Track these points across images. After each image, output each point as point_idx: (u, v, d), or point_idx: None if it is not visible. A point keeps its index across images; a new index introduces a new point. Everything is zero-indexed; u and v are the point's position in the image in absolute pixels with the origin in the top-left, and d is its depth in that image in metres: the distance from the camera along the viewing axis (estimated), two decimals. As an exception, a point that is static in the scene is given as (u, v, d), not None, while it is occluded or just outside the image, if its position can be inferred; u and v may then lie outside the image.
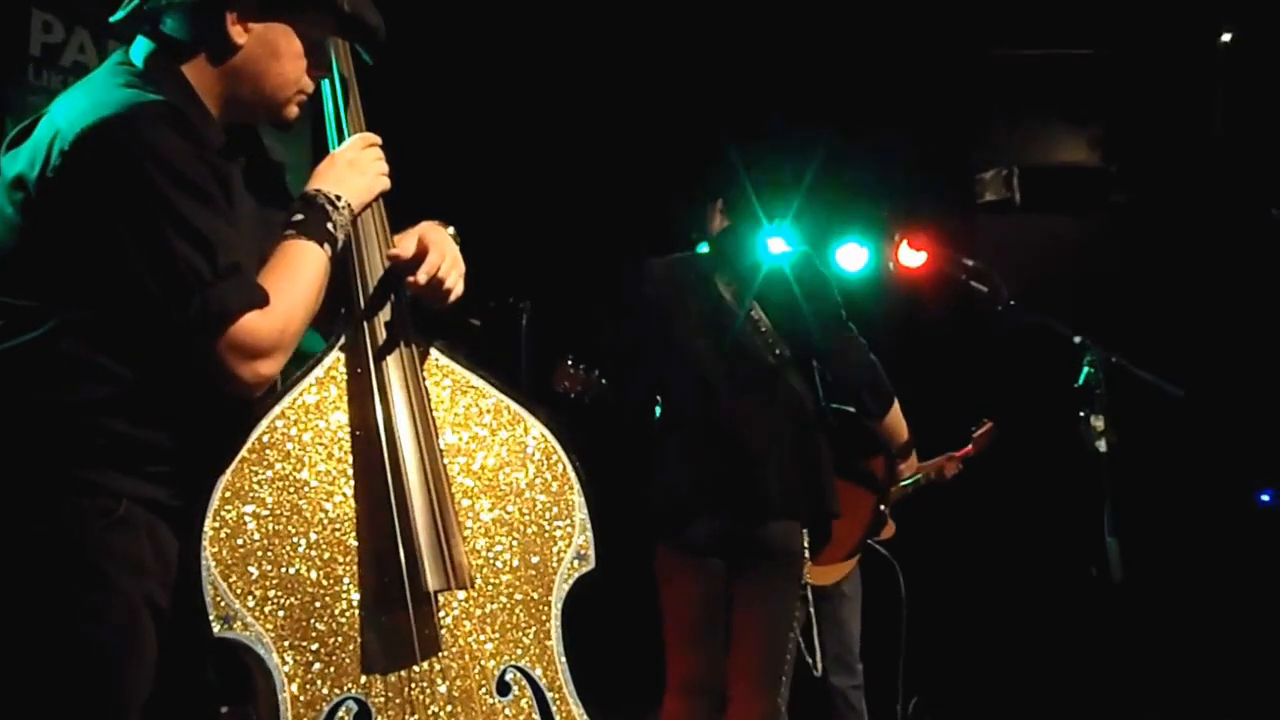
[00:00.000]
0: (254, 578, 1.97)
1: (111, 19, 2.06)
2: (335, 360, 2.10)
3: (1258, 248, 5.99)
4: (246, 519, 1.98)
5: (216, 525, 1.96)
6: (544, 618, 2.21)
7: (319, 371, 2.08)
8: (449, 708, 2.10)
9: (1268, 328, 5.85)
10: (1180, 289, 5.99)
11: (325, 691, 2.02)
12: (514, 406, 2.24)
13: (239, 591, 1.96)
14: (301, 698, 2.00)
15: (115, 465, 1.91)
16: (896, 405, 3.80)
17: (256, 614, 1.97)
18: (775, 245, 3.80)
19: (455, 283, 2.17)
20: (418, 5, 4.02)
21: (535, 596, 2.20)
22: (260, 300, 1.91)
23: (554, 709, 2.18)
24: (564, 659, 2.21)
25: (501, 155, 5.39)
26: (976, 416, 5.14)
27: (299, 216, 2.03)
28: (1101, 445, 3.57)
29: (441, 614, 2.12)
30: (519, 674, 2.18)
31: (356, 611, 2.04)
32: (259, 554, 1.98)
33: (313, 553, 2.02)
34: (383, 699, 2.05)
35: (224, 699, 2.10)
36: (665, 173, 4.96)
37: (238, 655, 1.99)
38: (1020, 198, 6.25)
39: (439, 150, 4.82)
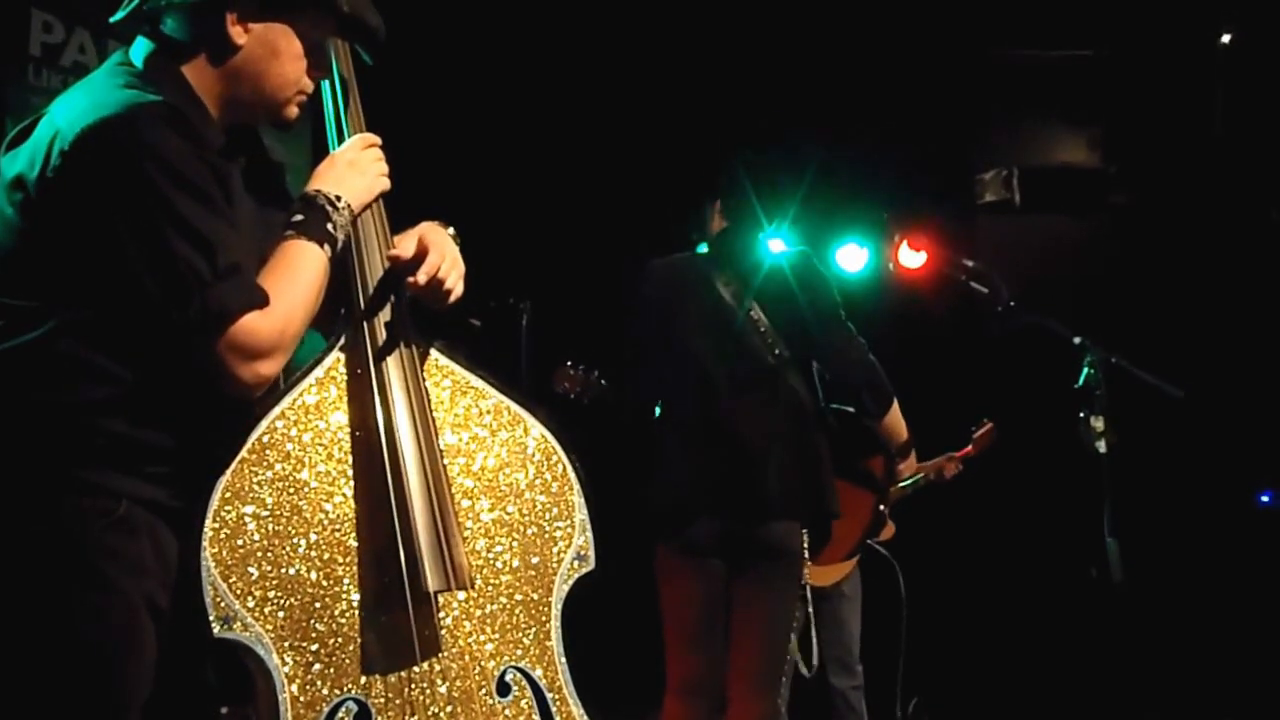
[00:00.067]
0: (254, 578, 1.97)
1: (111, 19, 2.06)
2: (335, 361, 2.10)
3: (1257, 249, 5.99)
4: (246, 519, 1.98)
5: (216, 526, 1.95)
6: (544, 618, 2.20)
7: (319, 372, 2.08)
8: (449, 708, 2.10)
9: (1268, 329, 5.85)
10: (1180, 290, 5.99)
11: (325, 692, 2.02)
12: (514, 407, 2.24)
13: (239, 592, 1.96)
14: (301, 698, 2.00)
15: (115, 465, 1.91)
16: (896, 405, 3.80)
17: (256, 615, 1.97)
18: (774, 245, 3.80)
19: (455, 283, 2.17)
20: (418, 5, 4.02)
21: (535, 597, 2.20)
22: (260, 301, 1.91)
23: (554, 709, 2.18)
24: (564, 659, 2.21)
25: (501, 156, 5.39)
26: (976, 417, 5.14)
27: (299, 217, 2.03)
28: (1101, 446, 3.58)
29: (441, 615, 2.12)
30: (519, 674, 2.18)
31: (356, 612, 2.04)
32: (259, 555, 1.98)
33: (313, 553, 2.02)
34: (383, 699, 2.05)
35: (224, 700, 2.10)
36: (665, 173, 4.96)
37: (237, 656, 1.99)
38: (1020, 198, 6.25)
39: (439, 150, 4.82)
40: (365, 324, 2.12)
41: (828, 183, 5.43)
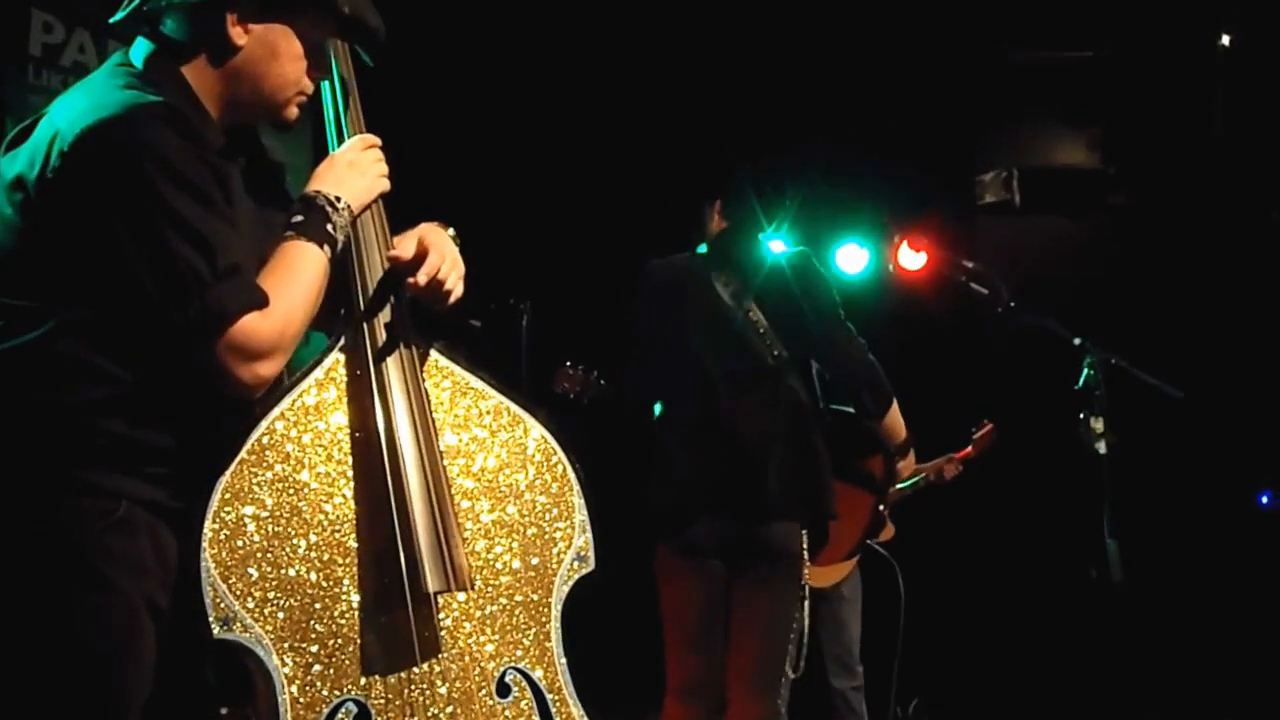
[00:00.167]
0: (254, 579, 1.97)
1: (111, 20, 2.06)
2: (335, 362, 2.10)
3: (1257, 250, 5.99)
4: (246, 520, 1.98)
5: (216, 527, 1.95)
6: (544, 619, 2.20)
7: (319, 373, 2.08)
8: (449, 709, 2.10)
9: (1267, 329, 5.85)
10: (1180, 291, 5.99)
11: (325, 693, 2.01)
12: (514, 408, 2.24)
13: (239, 593, 1.96)
14: (301, 699, 2.00)
15: (115, 466, 1.91)
16: (895, 405, 3.80)
17: (256, 616, 1.97)
18: (774, 246, 3.80)
19: (455, 284, 2.17)
20: (418, 6, 4.01)
21: (535, 598, 2.20)
22: (260, 301, 1.91)
23: (554, 710, 2.18)
24: (564, 660, 2.21)
25: (502, 157, 5.39)
26: (976, 418, 5.14)
27: (299, 218, 2.03)
28: (1101, 447, 3.58)
29: (441, 615, 2.12)
30: (519, 675, 2.17)
31: (356, 613, 2.04)
32: (258, 555, 1.98)
33: (312, 554, 2.02)
34: (383, 700, 2.05)
35: (223, 700, 2.10)
36: (665, 174, 4.96)
37: (237, 657, 1.99)
38: (1020, 199, 6.25)
39: (439, 151, 4.82)
40: (365, 325, 2.12)
41: (828, 183, 5.44)
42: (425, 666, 2.08)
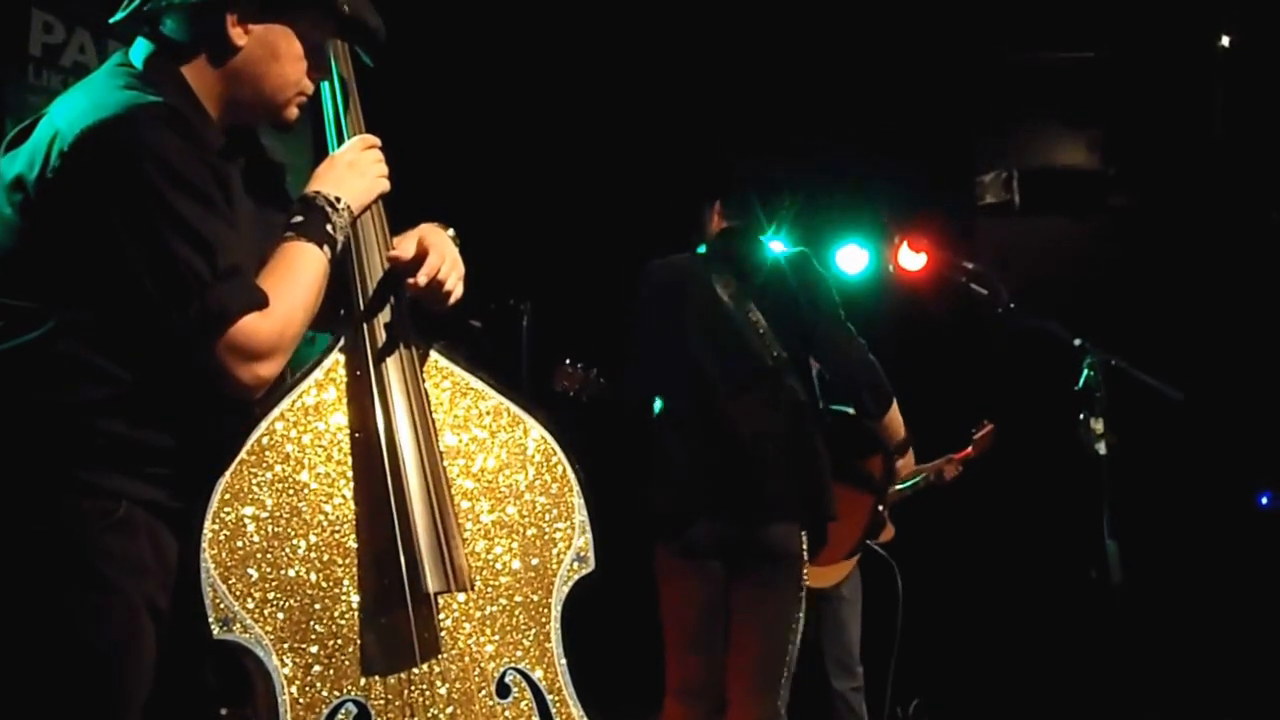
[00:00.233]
0: (253, 580, 1.97)
1: (111, 20, 2.06)
2: (335, 362, 2.10)
3: (1257, 251, 6.00)
4: (246, 521, 1.98)
5: (216, 527, 1.95)
6: (544, 620, 2.20)
7: (318, 374, 2.08)
8: (449, 710, 2.09)
9: (1267, 331, 5.85)
10: (1180, 292, 5.99)
11: (325, 694, 2.01)
12: (514, 409, 2.23)
13: (238, 594, 1.96)
14: (301, 700, 2.00)
15: (115, 466, 1.91)
16: (895, 405, 3.80)
17: (256, 616, 1.97)
18: (774, 246, 3.80)
19: (455, 285, 2.17)
20: (418, 7, 4.02)
21: (535, 598, 2.20)
22: (260, 302, 1.91)
23: (554, 711, 2.18)
24: (564, 661, 2.21)
25: (502, 157, 5.39)
26: (976, 419, 5.14)
27: (298, 218, 2.03)
28: (1101, 448, 3.58)
29: (441, 616, 2.11)
30: (519, 676, 2.17)
31: (356, 614, 2.04)
32: (258, 556, 1.98)
33: (312, 555, 2.02)
34: (382, 701, 2.05)
35: (223, 701, 2.09)
36: (664, 174, 4.96)
37: (237, 658, 1.99)
38: (1020, 200, 6.25)
39: (439, 152, 4.82)
40: (365, 325, 2.12)
41: (828, 184, 5.44)
42: (425, 667, 2.08)
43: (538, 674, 2.18)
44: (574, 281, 5.27)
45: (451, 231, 2.21)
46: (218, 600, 1.94)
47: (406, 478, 2.07)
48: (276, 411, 2.02)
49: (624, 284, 3.80)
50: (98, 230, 1.85)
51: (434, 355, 2.20)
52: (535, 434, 2.24)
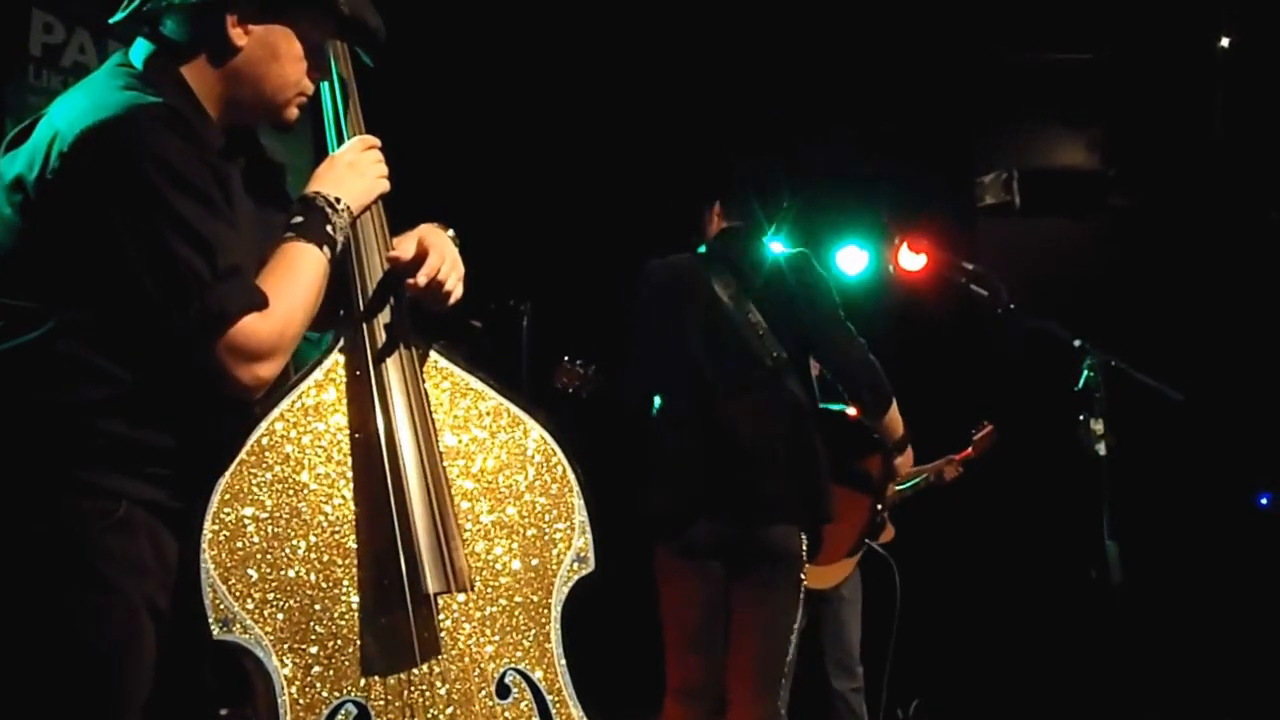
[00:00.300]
0: (253, 580, 1.97)
1: (111, 20, 2.05)
2: (334, 363, 2.10)
3: (1257, 251, 6.00)
4: (246, 521, 1.97)
5: (216, 528, 1.95)
6: (544, 620, 2.20)
7: (318, 374, 2.08)
8: (449, 710, 2.09)
9: (1267, 331, 5.85)
10: (1180, 292, 5.99)
11: (325, 694, 2.01)
12: (514, 409, 2.23)
13: (238, 594, 1.96)
14: (301, 700, 1.99)
15: (115, 466, 1.91)
16: (895, 405, 3.80)
17: (256, 617, 1.97)
18: (773, 247, 3.80)
19: (455, 285, 2.17)
20: (418, 7, 4.01)
21: (535, 599, 2.20)
22: (259, 302, 1.91)
23: (554, 711, 2.17)
24: (564, 661, 2.20)
25: (502, 158, 5.39)
26: (976, 419, 5.14)
27: (298, 219, 2.03)
28: (1101, 448, 3.58)
29: (441, 617, 2.11)
30: (519, 676, 2.17)
31: (356, 614, 2.04)
32: (258, 557, 1.98)
33: (312, 555, 2.02)
34: (382, 702, 2.04)
35: (223, 701, 2.09)
36: (664, 174, 4.96)
37: (237, 658, 1.99)
38: (1020, 201, 6.25)
39: (439, 152, 4.82)
40: (365, 326, 2.12)
41: (828, 184, 5.45)
42: (425, 668, 2.08)
43: (538, 674, 2.18)
44: (574, 281, 5.27)
45: (451, 232, 2.21)
46: (218, 601, 1.94)
47: (406, 478, 2.07)
48: (276, 412, 2.02)
49: (624, 284, 3.80)
50: (98, 230, 1.85)
51: (434, 355, 2.20)
52: (535, 434, 2.24)
